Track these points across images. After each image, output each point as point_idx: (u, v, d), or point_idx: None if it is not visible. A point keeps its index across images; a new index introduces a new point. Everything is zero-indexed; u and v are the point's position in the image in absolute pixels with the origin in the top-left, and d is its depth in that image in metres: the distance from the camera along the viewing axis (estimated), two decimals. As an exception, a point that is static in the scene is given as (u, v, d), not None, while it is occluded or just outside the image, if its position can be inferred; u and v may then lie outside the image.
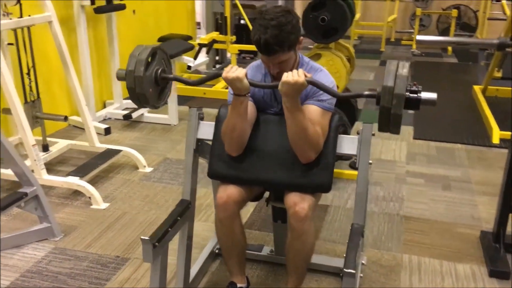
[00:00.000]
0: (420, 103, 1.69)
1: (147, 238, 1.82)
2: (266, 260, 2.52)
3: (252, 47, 1.90)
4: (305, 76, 1.76)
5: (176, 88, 4.56)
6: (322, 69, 2.01)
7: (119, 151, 3.57)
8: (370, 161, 1.96)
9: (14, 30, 3.22)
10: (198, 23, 7.69)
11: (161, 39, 5.04)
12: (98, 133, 3.99)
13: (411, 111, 1.82)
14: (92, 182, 3.30)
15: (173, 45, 4.58)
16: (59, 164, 3.66)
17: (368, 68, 6.90)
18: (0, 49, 2.94)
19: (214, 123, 2.10)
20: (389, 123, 1.68)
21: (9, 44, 3.39)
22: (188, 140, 2.13)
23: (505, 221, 2.57)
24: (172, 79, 2.04)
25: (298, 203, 1.90)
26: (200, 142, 2.14)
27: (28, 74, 3.34)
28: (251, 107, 1.99)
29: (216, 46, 5.48)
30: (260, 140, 2.01)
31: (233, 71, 1.83)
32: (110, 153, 3.53)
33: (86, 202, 3.10)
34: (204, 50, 5.22)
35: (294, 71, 1.78)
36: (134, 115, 4.49)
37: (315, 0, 3.08)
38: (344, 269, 1.65)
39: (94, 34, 4.67)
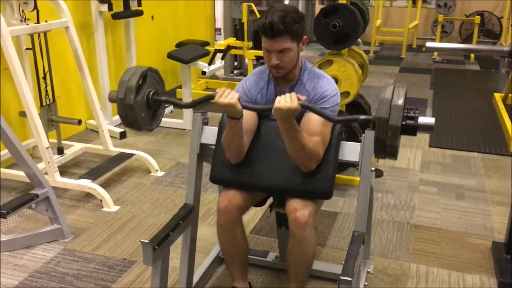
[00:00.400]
0: (417, 129, 1.64)
1: (147, 241, 1.83)
2: (271, 266, 2.51)
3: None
4: (299, 99, 1.73)
5: (191, 94, 4.60)
6: (325, 75, 2.00)
7: (131, 154, 3.61)
8: (373, 168, 1.94)
9: (31, 35, 3.30)
10: (219, 29, 7.76)
11: (178, 45, 5.11)
12: (113, 137, 4.06)
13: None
14: (104, 185, 3.34)
15: (189, 51, 4.64)
16: (74, 166, 3.72)
17: (388, 74, 6.85)
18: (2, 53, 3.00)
19: (217, 128, 2.10)
20: (384, 153, 1.65)
21: (27, 49, 3.48)
22: (192, 145, 2.14)
23: (517, 232, 2.51)
24: (164, 102, 1.97)
25: (299, 209, 1.90)
26: (204, 147, 2.15)
27: (44, 78, 3.41)
28: (252, 115, 1.99)
29: (233, 51, 5.51)
30: (262, 146, 2.01)
31: (225, 96, 1.79)
32: (123, 157, 3.57)
33: (97, 204, 3.15)
34: (219, 55, 5.27)
35: (287, 95, 1.74)
36: (150, 119, 4.53)
37: (327, 6, 3.08)
38: (341, 277, 1.63)
39: (112, 39, 4.74)
